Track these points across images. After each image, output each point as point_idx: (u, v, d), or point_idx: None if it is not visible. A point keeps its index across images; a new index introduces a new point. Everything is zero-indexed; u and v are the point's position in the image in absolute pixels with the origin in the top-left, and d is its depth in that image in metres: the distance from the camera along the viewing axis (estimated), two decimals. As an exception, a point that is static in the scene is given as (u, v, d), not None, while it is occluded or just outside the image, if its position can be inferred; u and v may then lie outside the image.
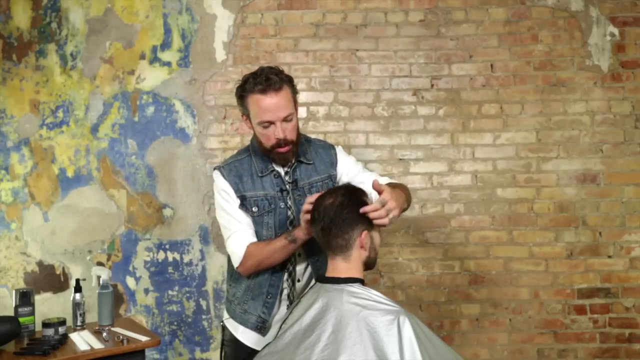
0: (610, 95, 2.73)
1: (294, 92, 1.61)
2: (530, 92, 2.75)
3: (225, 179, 1.65)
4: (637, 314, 2.71)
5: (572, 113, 2.74)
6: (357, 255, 1.39)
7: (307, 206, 1.46)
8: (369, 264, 1.44)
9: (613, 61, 2.73)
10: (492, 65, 2.76)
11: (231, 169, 1.67)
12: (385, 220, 1.35)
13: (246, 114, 1.61)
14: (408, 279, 2.75)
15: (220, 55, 2.77)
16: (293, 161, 1.66)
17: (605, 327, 2.71)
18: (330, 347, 1.24)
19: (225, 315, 1.79)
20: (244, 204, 1.63)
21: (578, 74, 2.74)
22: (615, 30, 2.73)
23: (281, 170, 1.66)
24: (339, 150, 1.77)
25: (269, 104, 1.53)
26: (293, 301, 1.66)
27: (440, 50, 2.77)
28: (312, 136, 1.83)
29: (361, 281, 1.38)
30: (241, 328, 1.70)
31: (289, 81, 1.59)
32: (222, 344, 1.81)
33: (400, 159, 2.77)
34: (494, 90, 2.75)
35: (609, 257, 2.72)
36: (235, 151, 1.86)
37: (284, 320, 1.44)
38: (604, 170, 2.73)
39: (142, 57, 2.77)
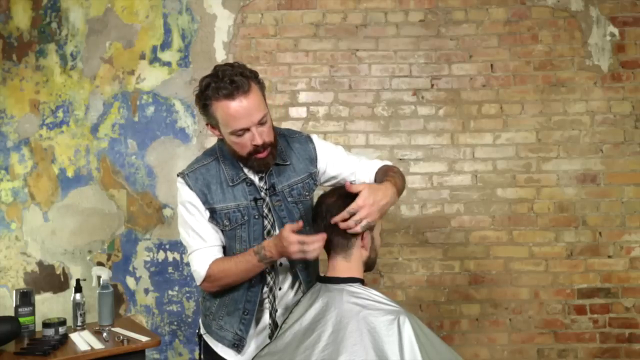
0: (610, 95, 2.73)
1: (262, 88, 1.43)
2: (530, 92, 2.75)
3: (191, 189, 1.48)
4: (637, 314, 2.70)
5: (572, 113, 2.74)
6: (358, 254, 1.39)
7: (296, 246, 1.32)
8: (369, 265, 1.44)
9: (613, 61, 2.73)
10: (492, 65, 2.76)
11: (197, 178, 1.49)
12: (357, 229, 1.31)
13: (212, 123, 1.42)
14: (408, 279, 2.75)
15: (220, 55, 2.77)
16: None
17: (605, 327, 2.71)
18: (331, 347, 1.24)
19: (203, 329, 1.64)
20: (214, 217, 1.47)
21: (578, 74, 2.74)
22: (615, 30, 2.73)
23: (254, 177, 1.50)
24: (317, 142, 1.61)
25: (239, 109, 1.34)
26: (274, 316, 1.53)
27: (440, 50, 2.77)
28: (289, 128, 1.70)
29: (361, 281, 1.38)
30: (220, 345, 1.57)
31: (254, 78, 1.40)
32: (201, 354, 1.66)
33: (400, 159, 2.77)
34: (494, 90, 2.75)
35: (609, 257, 2.71)
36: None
37: (284, 320, 1.44)
38: (604, 170, 2.72)
39: (142, 57, 2.77)
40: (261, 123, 1.39)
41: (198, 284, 1.51)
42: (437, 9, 2.77)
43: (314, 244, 1.32)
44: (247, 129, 1.37)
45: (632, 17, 2.73)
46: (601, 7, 2.73)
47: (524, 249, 2.73)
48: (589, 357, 2.70)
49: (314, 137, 1.63)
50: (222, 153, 1.51)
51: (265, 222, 1.49)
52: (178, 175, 1.54)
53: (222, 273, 1.46)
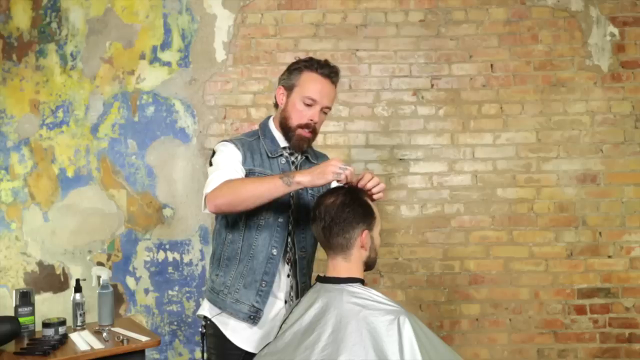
0: (610, 95, 2.73)
1: (335, 94, 1.68)
2: (530, 92, 2.75)
3: (237, 148, 1.59)
4: (637, 314, 2.71)
5: (572, 113, 2.74)
6: (358, 255, 1.39)
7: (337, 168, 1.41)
8: (369, 265, 1.44)
9: (613, 61, 2.73)
10: (492, 65, 2.76)
11: (243, 144, 1.63)
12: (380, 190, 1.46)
13: (288, 86, 1.61)
14: (408, 279, 2.75)
15: (220, 55, 2.77)
16: (301, 155, 1.66)
17: (605, 327, 2.71)
18: (330, 347, 1.24)
19: (214, 311, 1.62)
20: (249, 177, 1.59)
21: (578, 74, 2.74)
22: (615, 30, 2.73)
23: (290, 158, 1.65)
24: None
25: (324, 87, 1.59)
26: (291, 297, 1.64)
27: (440, 50, 2.77)
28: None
29: (361, 281, 1.38)
30: (232, 323, 1.59)
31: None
32: (204, 352, 1.66)
33: (400, 159, 2.77)
34: (494, 90, 2.75)
35: (609, 257, 2.71)
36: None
37: (284, 320, 1.44)
38: (604, 170, 2.73)
39: (142, 57, 2.77)
40: (324, 111, 1.61)
41: (206, 192, 1.51)
42: (437, 9, 2.77)
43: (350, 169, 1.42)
44: (315, 104, 1.58)
45: (632, 17, 2.74)
46: (601, 7, 2.73)
47: (524, 249, 2.73)
48: (589, 357, 2.70)
49: None
50: (264, 132, 1.67)
51: (291, 201, 1.63)
52: (224, 141, 1.65)
53: (236, 181, 1.49)
